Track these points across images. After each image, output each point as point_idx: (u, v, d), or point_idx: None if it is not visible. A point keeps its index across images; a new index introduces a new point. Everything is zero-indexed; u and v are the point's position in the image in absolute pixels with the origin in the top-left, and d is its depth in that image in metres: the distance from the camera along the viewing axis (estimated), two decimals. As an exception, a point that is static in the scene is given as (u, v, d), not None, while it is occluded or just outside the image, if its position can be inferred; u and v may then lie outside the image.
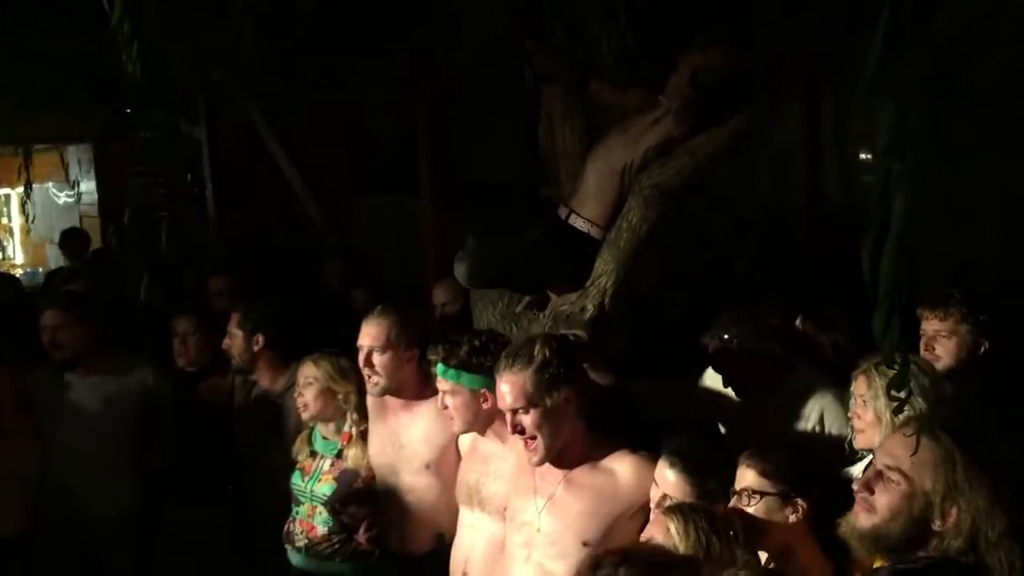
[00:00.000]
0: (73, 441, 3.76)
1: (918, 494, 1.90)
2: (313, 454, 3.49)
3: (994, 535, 1.82)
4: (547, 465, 2.69)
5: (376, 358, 3.21)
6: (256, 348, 3.88)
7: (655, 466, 2.56)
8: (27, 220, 8.90)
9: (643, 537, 2.25)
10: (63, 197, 8.68)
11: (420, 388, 3.26)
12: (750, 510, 2.32)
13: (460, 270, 3.38)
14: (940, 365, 2.85)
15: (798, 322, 3.55)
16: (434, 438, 3.20)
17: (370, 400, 3.41)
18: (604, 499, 2.62)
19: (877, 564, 1.95)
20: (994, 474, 1.87)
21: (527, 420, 2.60)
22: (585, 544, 2.59)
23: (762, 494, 2.32)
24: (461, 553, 2.99)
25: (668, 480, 2.49)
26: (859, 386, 2.60)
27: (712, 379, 3.34)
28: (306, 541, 3.43)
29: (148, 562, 3.90)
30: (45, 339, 3.83)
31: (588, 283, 3.38)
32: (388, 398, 3.32)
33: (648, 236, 3.32)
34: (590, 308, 3.37)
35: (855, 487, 2.03)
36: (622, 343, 3.39)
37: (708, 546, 2.14)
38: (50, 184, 8.83)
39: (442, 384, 2.93)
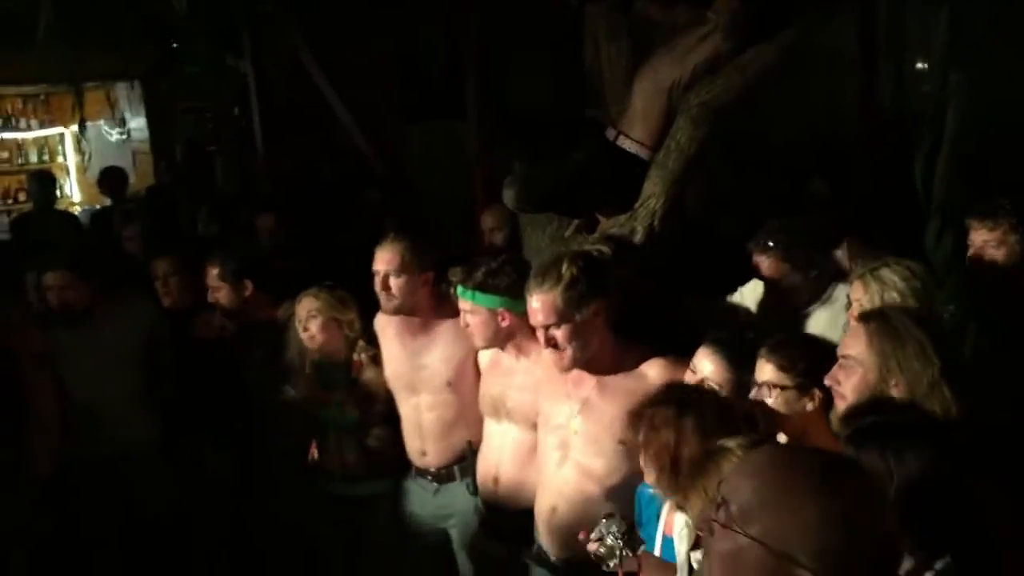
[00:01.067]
0: (92, 384, 3.78)
1: (870, 371, 2.16)
2: (326, 385, 3.55)
3: (927, 385, 2.09)
4: (578, 373, 2.81)
5: (392, 281, 3.28)
6: (246, 294, 3.90)
7: (685, 365, 2.66)
8: (83, 158, 9.09)
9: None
10: (115, 135, 8.77)
11: (435, 309, 3.36)
12: (769, 401, 2.40)
13: (508, 195, 3.41)
14: (989, 275, 2.84)
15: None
16: (453, 356, 3.31)
17: (380, 322, 3.49)
18: (636, 400, 2.66)
19: None
20: (932, 335, 2.14)
21: (559, 335, 2.73)
22: (622, 443, 2.65)
23: (781, 387, 2.39)
24: (491, 459, 3.14)
25: (706, 367, 2.58)
26: (855, 290, 2.73)
27: (753, 292, 3.42)
28: (338, 470, 3.53)
29: (177, 495, 4.00)
30: (52, 299, 3.86)
31: (637, 205, 3.39)
32: (404, 320, 3.40)
33: (697, 156, 3.31)
34: (639, 230, 3.39)
35: (826, 380, 2.25)
36: (667, 263, 3.41)
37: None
38: (102, 122, 8.91)
39: (462, 304, 3.06)
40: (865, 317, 2.28)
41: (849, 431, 1.96)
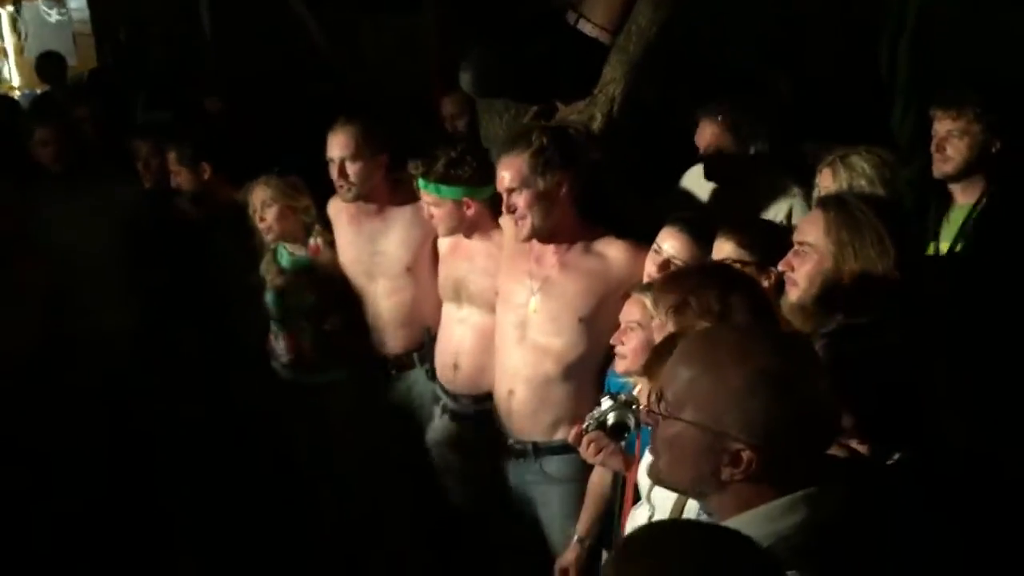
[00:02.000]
0: (74, 255, 3.77)
1: (825, 258, 2.12)
2: (282, 271, 3.53)
3: (881, 274, 2.06)
4: (540, 250, 2.85)
5: (349, 167, 3.26)
6: (205, 176, 3.88)
7: (644, 250, 2.68)
8: (20, 39, 8.71)
9: (621, 316, 2.34)
10: (54, 15, 8.40)
11: (391, 194, 3.35)
12: None
13: (465, 79, 3.33)
14: (950, 166, 2.84)
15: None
16: (411, 241, 3.32)
17: (334, 208, 3.47)
18: (596, 279, 2.80)
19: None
20: (891, 224, 2.10)
21: (520, 200, 2.76)
22: (580, 320, 2.78)
23: (741, 263, 2.40)
24: (451, 345, 3.16)
25: (672, 245, 2.59)
26: (823, 178, 2.72)
27: (696, 174, 3.48)
28: (292, 355, 3.53)
29: (155, 377, 3.98)
30: (40, 155, 3.86)
31: (596, 91, 3.33)
32: (360, 206, 3.38)
33: (657, 40, 3.25)
34: (598, 116, 3.34)
35: (780, 266, 2.23)
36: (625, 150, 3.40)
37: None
38: (39, 2, 8.53)
39: (425, 196, 3.06)
40: (824, 203, 2.24)
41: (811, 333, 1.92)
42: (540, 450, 2.90)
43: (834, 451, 1.56)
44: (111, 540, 3.65)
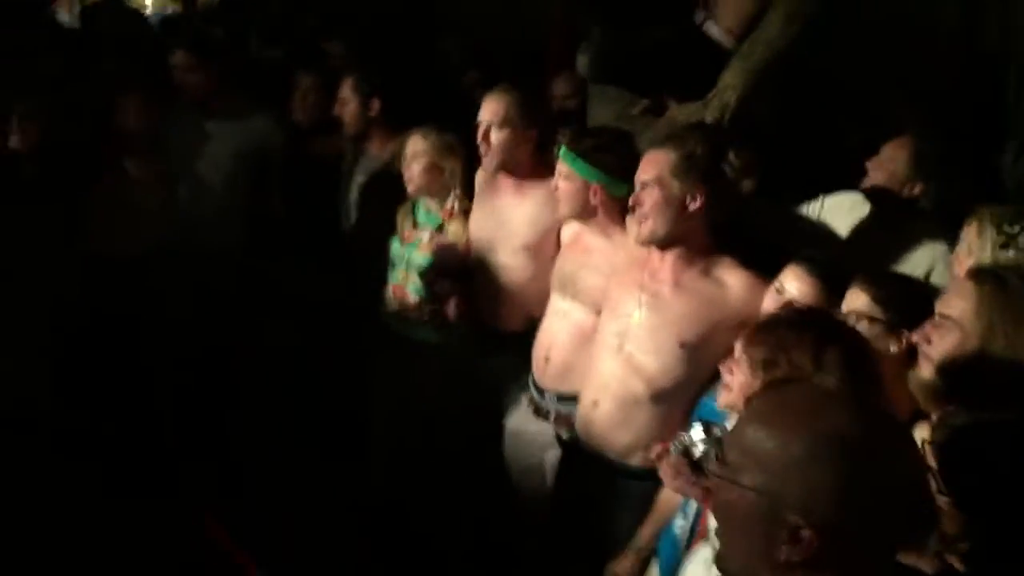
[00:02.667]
0: (196, 177, 3.95)
1: (970, 338, 1.90)
2: (415, 224, 3.57)
3: None
4: (657, 262, 2.71)
5: (494, 134, 3.21)
6: (371, 114, 3.92)
7: (767, 285, 2.53)
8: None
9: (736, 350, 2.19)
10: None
11: (533, 170, 3.28)
12: None
13: (583, 60, 3.32)
14: None
15: None
16: (538, 221, 3.25)
17: (480, 177, 3.44)
18: (709, 305, 2.62)
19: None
20: None
21: (650, 198, 2.60)
22: (682, 346, 2.62)
23: (871, 319, 2.22)
24: (547, 337, 3.09)
25: (795, 287, 2.43)
26: (969, 232, 2.44)
27: (840, 207, 3.25)
28: (397, 306, 3.56)
29: (252, 303, 4.10)
30: (175, 79, 3.95)
31: (710, 95, 3.27)
32: (500, 176, 3.34)
33: (783, 55, 3.17)
34: (708, 121, 3.27)
35: (914, 338, 2.02)
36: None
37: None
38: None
39: (560, 167, 2.96)
40: (979, 277, 2.02)
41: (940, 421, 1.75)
42: (614, 469, 2.80)
43: (925, 564, 1.40)
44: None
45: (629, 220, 2.71)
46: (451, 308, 3.45)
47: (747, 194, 3.14)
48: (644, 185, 2.62)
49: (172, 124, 4.02)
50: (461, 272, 3.45)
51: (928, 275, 2.97)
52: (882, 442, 1.21)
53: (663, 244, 2.66)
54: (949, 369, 1.91)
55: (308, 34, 5.77)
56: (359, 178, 3.98)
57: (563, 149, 2.95)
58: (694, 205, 2.60)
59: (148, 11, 8.39)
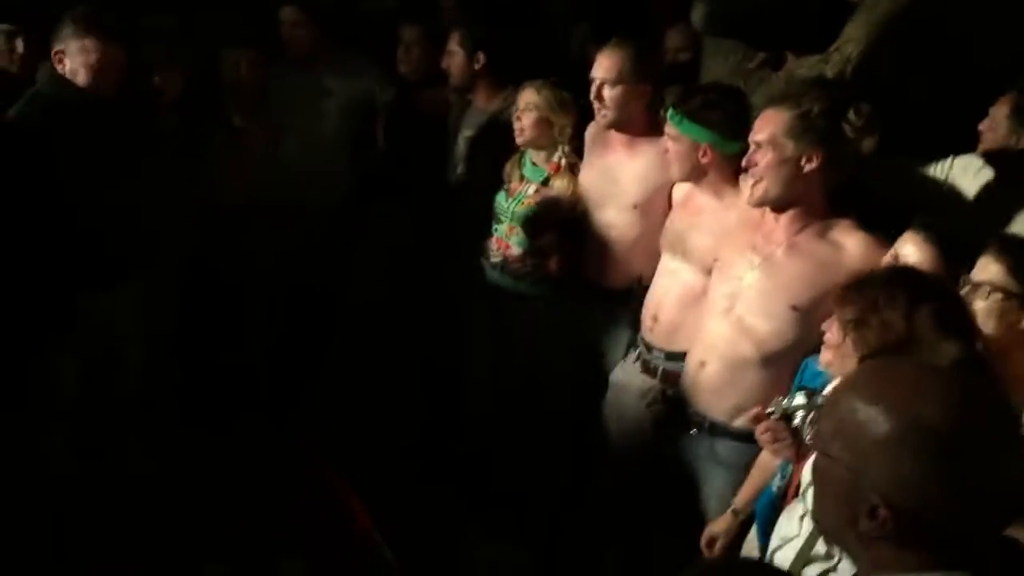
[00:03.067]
0: (302, 132, 4.02)
1: None
2: (521, 178, 3.56)
3: None
4: (771, 224, 2.63)
5: (607, 91, 3.17)
6: (476, 67, 3.92)
7: (885, 249, 2.41)
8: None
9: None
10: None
11: (646, 127, 3.22)
12: (979, 305, 2.10)
13: (698, 12, 3.22)
14: None
15: None
16: (648, 179, 3.20)
17: (592, 132, 3.41)
18: (824, 269, 2.53)
19: None
20: None
21: (764, 158, 2.51)
22: (794, 309, 2.55)
23: (1004, 292, 2.07)
24: (656, 295, 3.05)
25: (913, 253, 2.30)
26: None
27: (968, 169, 3.10)
28: (500, 258, 3.58)
29: (351, 251, 4.19)
30: (283, 34, 4.04)
31: (832, 48, 3.15)
32: (612, 133, 3.30)
33: (909, 7, 3.03)
34: (829, 76, 3.16)
35: None
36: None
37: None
38: None
39: (669, 129, 2.90)
40: None
41: None
42: (716, 430, 2.75)
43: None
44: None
45: (742, 181, 2.64)
46: (553, 262, 3.45)
47: (869, 153, 3.01)
48: (758, 145, 2.53)
49: (279, 78, 4.09)
50: (565, 227, 3.43)
51: None
52: (981, 440, 1.15)
53: (777, 206, 2.58)
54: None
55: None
56: (466, 131, 3.98)
57: (670, 110, 2.88)
58: (810, 167, 2.50)
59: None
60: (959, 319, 1.87)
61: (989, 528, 1.19)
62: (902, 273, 2.08)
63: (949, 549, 1.17)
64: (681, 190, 3.08)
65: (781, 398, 2.12)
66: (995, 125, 3.11)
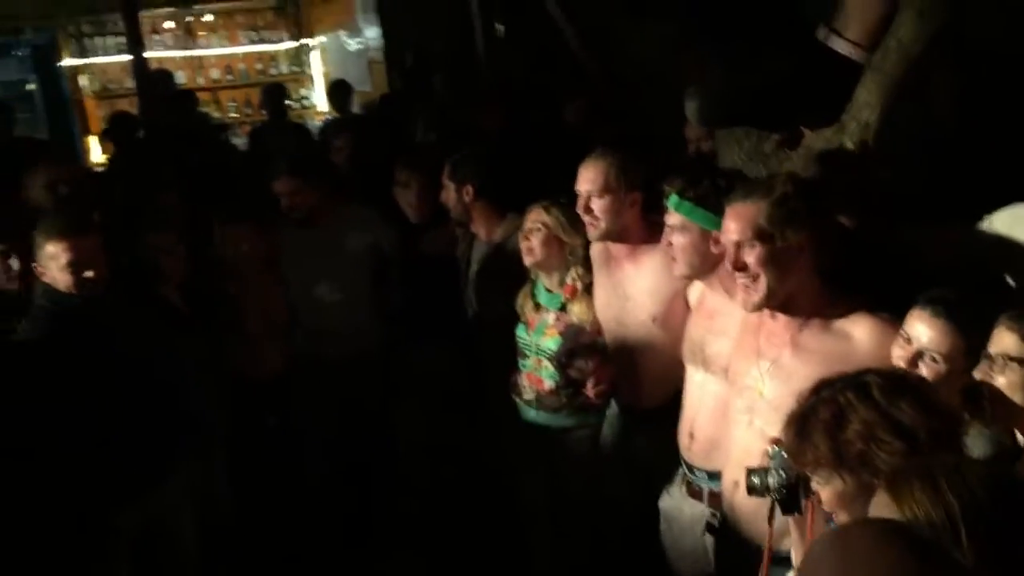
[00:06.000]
0: (317, 290, 3.96)
1: None
2: (537, 307, 3.40)
3: None
4: (771, 325, 2.44)
5: (595, 203, 3.04)
6: (467, 199, 3.82)
7: (895, 331, 2.20)
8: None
9: None
10: (354, 44, 8.94)
11: (645, 235, 3.06)
12: (1000, 379, 1.91)
13: (690, 108, 3.02)
14: None
15: None
16: (660, 289, 3.01)
17: (595, 250, 3.25)
18: (835, 364, 2.24)
19: None
20: None
21: (752, 256, 2.33)
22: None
23: (1021, 362, 1.89)
24: (689, 412, 2.85)
25: (923, 333, 2.11)
26: None
27: (1009, 219, 2.73)
28: (534, 395, 3.40)
29: (392, 399, 4.11)
30: (282, 203, 4.00)
31: (846, 116, 2.90)
32: (612, 247, 3.15)
33: (921, 58, 2.76)
34: (848, 145, 2.90)
35: None
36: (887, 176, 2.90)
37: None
38: (341, 32, 9.13)
39: (672, 218, 2.71)
40: None
41: None
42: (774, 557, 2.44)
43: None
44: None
45: (736, 286, 2.43)
46: (590, 389, 3.24)
47: (907, 217, 2.73)
48: (740, 246, 2.35)
49: (287, 241, 4.08)
50: (593, 352, 3.25)
51: None
52: None
53: (778, 304, 2.39)
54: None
55: (468, 115, 5.82)
56: (474, 266, 3.89)
57: (674, 198, 2.70)
58: (803, 256, 2.34)
59: (321, 117, 8.76)
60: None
61: None
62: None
63: None
64: (696, 291, 2.89)
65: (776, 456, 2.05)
66: None
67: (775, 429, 2.31)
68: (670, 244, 2.73)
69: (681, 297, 2.97)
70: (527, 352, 3.41)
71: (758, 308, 2.39)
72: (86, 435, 2.92)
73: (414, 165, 4.20)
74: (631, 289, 3.11)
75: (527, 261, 3.38)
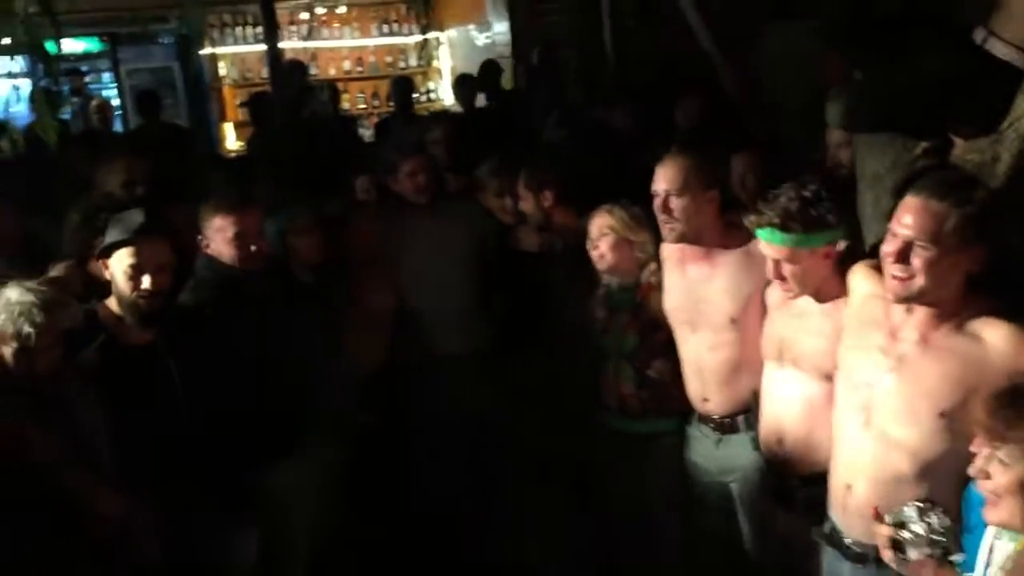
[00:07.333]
0: (427, 281, 3.93)
1: None
2: (611, 310, 3.35)
3: None
4: (900, 320, 2.36)
5: (673, 202, 2.98)
6: (546, 205, 3.81)
7: None
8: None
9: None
10: (481, 39, 8.97)
11: (722, 235, 3.01)
12: None
13: (834, 111, 2.91)
14: None
15: None
16: (739, 289, 2.96)
17: (667, 250, 3.20)
18: (967, 367, 2.25)
19: None
20: None
21: (920, 257, 2.25)
22: (942, 415, 2.26)
23: None
24: (774, 412, 2.78)
25: None
26: None
27: None
28: (616, 400, 3.34)
29: (492, 403, 4.02)
30: (409, 185, 4.03)
31: (1004, 125, 2.71)
32: (686, 247, 3.09)
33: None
34: (1005, 158, 2.72)
35: None
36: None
37: None
38: (471, 26, 9.17)
39: (776, 251, 2.61)
40: None
41: None
42: (883, 561, 2.36)
43: None
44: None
45: (859, 278, 2.48)
46: (670, 392, 3.21)
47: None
48: (910, 244, 2.26)
49: (404, 226, 4.05)
50: (672, 350, 3.20)
51: None
52: None
53: (923, 302, 2.32)
54: None
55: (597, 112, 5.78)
56: (558, 271, 3.80)
57: (777, 235, 2.60)
58: (961, 263, 2.26)
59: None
60: None
61: None
62: None
63: None
64: (777, 291, 2.79)
65: (904, 508, 2.07)
66: None
67: (900, 428, 2.32)
68: (783, 277, 2.64)
69: (759, 295, 2.92)
70: (608, 356, 3.37)
71: (905, 302, 2.33)
72: (242, 398, 3.03)
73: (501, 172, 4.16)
74: (708, 291, 3.05)
75: (600, 267, 3.37)
